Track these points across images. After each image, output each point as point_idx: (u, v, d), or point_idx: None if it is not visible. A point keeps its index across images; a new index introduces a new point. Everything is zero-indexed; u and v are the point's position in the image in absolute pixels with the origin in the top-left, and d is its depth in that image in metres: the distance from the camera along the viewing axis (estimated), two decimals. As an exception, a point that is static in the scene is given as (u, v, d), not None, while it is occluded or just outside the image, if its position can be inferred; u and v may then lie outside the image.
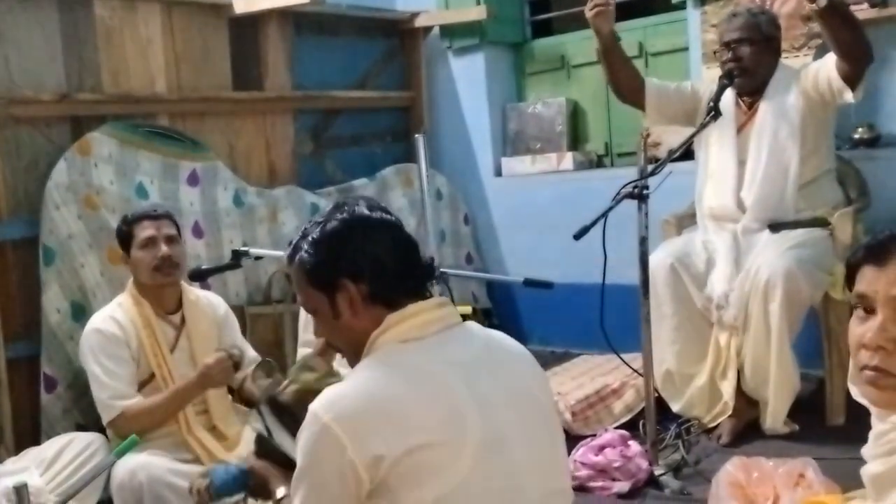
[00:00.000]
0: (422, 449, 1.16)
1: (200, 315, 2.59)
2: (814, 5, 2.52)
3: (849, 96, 2.70)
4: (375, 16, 4.26)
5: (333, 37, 4.13)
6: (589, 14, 2.89)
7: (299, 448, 1.22)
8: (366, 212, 1.35)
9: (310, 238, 1.33)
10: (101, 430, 2.47)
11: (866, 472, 1.15)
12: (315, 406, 1.20)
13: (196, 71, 3.56)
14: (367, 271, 1.30)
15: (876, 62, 3.16)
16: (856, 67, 2.64)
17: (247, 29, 3.76)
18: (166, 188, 3.36)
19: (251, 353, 2.63)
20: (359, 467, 1.16)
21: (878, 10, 3.06)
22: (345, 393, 1.22)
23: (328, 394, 1.22)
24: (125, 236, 2.51)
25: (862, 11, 3.02)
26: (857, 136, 3.15)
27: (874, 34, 2.80)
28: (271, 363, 2.40)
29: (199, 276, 2.61)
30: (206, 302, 2.65)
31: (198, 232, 3.41)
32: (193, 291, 2.65)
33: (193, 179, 3.46)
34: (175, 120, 3.50)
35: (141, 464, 2.25)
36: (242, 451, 2.31)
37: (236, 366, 2.40)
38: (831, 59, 2.69)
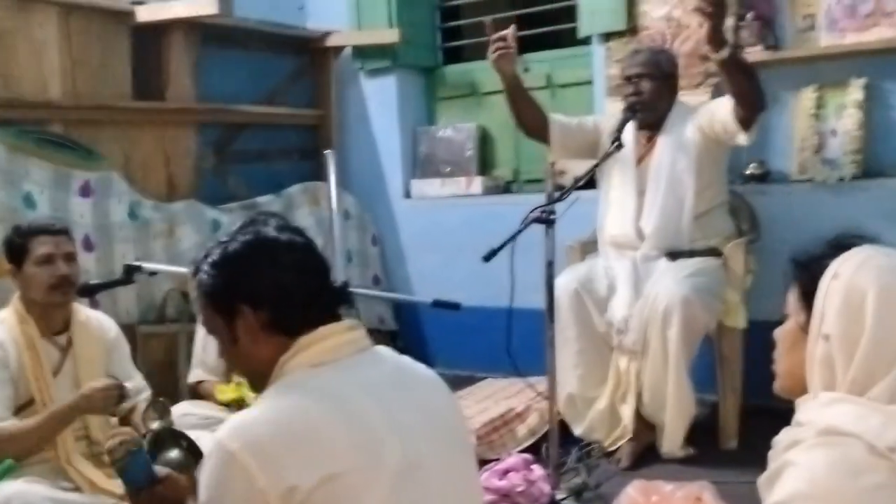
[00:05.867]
0: (337, 477, 1.10)
1: (89, 337, 2.43)
2: (717, 56, 2.64)
3: (742, 139, 2.82)
4: (285, 32, 4.20)
5: (241, 50, 4.04)
6: (491, 57, 2.96)
7: (203, 479, 1.14)
8: (272, 233, 1.28)
9: (210, 259, 1.28)
10: (-29, 455, 2.28)
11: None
12: (221, 434, 1.13)
13: (93, 78, 3.41)
14: (268, 299, 1.24)
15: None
16: (750, 113, 2.76)
17: (150, 38, 3.62)
18: (56, 198, 3.18)
19: (140, 382, 2.50)
20: (270, 499, 1.08)
21: (770, 52, 3.23)
22: (253, 419, 1.15)
23: (235, 421, 1.15)
24: (18, 249, 2.32)
25: (756, 53, 3.18)
26: (748, 171, 3.31)
27: (766, 75, 2.96)
28: (164, 403, 2.27)
29: (89, 292, 2.47)
30: (97, 324, 2.49)
31: (88, 245, 3.23)
32: (83, 311, 2.49)
33: (86, 191, 3.29)
34: (69, 128, 3.33)
35: (17, 491, 2.07)
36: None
37: (121, 398, 2.26)
38: (727, 101, 2.80)
